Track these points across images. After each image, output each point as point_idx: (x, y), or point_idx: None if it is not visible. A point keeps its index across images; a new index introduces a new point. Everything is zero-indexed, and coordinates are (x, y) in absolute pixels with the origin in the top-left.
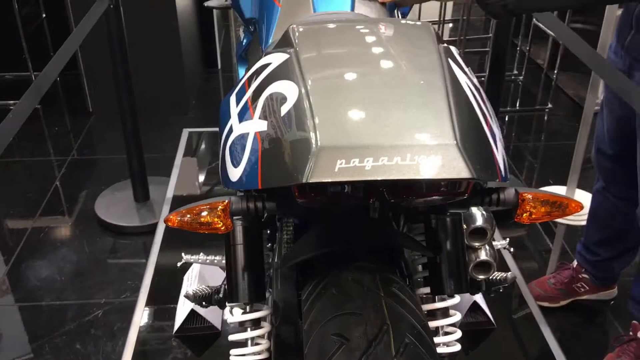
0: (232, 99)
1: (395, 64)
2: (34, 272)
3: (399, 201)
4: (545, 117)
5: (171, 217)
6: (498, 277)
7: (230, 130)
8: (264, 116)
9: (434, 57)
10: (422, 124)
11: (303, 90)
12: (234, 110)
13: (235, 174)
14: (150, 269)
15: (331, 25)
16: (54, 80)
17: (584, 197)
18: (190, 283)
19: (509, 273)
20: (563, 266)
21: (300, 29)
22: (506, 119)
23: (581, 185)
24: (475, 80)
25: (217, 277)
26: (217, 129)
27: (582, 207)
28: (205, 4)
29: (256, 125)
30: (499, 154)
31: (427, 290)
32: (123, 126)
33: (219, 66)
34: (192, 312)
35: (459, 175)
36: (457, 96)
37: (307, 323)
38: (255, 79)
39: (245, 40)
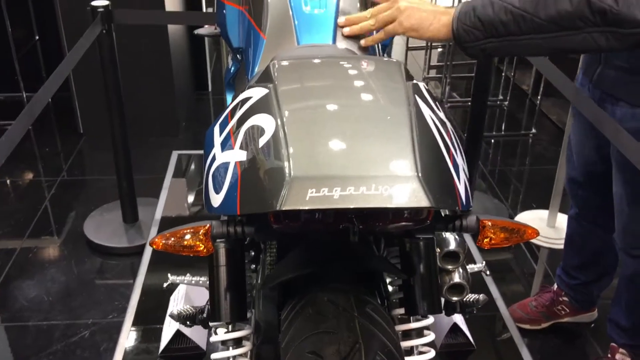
0: (217, 128)
1: (365, 100)
2: (22, 292)
3: (366, 227)
4: (530, 142)
5: (156, 240)
6: (471, 299)
7: (214, 159)
8: (244, 146)
9: (401, 93)
10: (387, 157)
11: (279, 123)
12: (217, 139)
13: (216, 199)
14: (137, 290)
15: (308, 62)
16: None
17: (565, 221)
18: (177, 303)
19: (481, 295)
20: (544, 289)
21: (279, 65)
22: (492, 143)
23: (563, 209)
24: (442, 115)
25: (203, 297)
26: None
27: (538, 234)
28: (196, 32)
29: (236, 155)
30: (461, 184)
31: (402, 311)
32: (113, 148)
33: (210, 89)
34: (178, 333)
35: (419, 204)
36: (421, 130)
37: (285, 342)
38: (238, 111)
39: (233, 68)
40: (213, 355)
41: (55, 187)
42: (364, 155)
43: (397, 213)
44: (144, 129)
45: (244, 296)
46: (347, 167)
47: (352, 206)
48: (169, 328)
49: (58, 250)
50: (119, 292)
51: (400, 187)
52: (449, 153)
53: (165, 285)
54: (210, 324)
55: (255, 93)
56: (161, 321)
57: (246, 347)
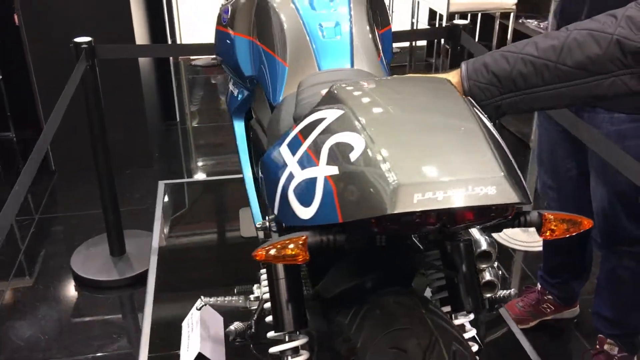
0: (284, 150)
1: (437, 113)
2: (16, 332)
3: (456, 226)
4: None
5: (259, 252)
6: (502, 295)
7: (291, 176)
8: (332, 162)
9: (464, 106)
10: (475, 161)
11: (368, 139)
12: (291, 158)
13: (307, 212)
14: (147, 319)
15: (369, 84)
16: (13, 140)
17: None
18: (192, 328)
19: (512, 290)
20: (529, 289)
21: (343, 88)
22: None
23: None
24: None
25: (216, 321)
26: (192, 180)
27: (592, 224)
28: (193, 63)
29: (325, 170)
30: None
31: (446, 308)
32: (99, 181)
33: (177, 119)
34: (199, 355)
35: (510, 200)
36: (490, 137)
37: (360, 342)
38: (312, 132)
39: (240, 96)
40: None
41: (34, 226)
42: (455, 161)
43: (485, 210)
44: (119, 161)
45: (303, 305)
46: (444, 172)
47: (455, 206)
48: (188, 353)
49: (46, 288)
50: (115, 325)
51: (492, 187)
52: (510, 155)
53: (197, 307)
54: (270, 336)
55: (328, 114)
56: (177, 347)
57: (304, 355)
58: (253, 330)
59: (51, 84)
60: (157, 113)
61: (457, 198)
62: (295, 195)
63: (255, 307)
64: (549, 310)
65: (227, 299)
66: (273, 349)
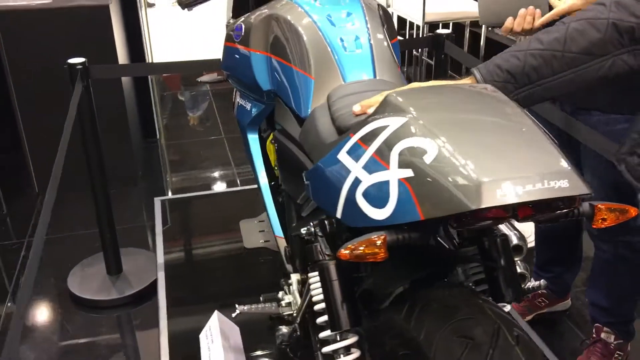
0: (343, 157)
1: (495, 116)
2: (19, 357)
3: (525, 218)
4: None
5: (343, 252)
6: (532, 285)
7: (357, 181)
8: (404, 165)
9: (517, 108)
10: (545, 157)
11: (441, 143)
12: (355, 165)
13: (381, 213)
14: (164, 334)
15: (421, 91)
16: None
17: (526, 224)
18: (212, 340)
19: (542, 280)
20: None
21: (400, 96)
22: None
23: None
24: None
25: (234, 330)
26: (187, 195)
27: (638, 212)
28: (199, 79)
29: (397, 173)
30: None
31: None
32: (95, 200)
33: (158, 135)
34: None
35: (581, 191)
36: (546, 134)
37: (423, 335)
38: (375, 139)
39: (255, 110)
40: None
41: (24, 249)
42: (528, 158)
43: (554, 203)
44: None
45: (357, 304)
46: (520, 168)
47: (534, 199)
48: None
49: (45, 310)
50: (120, 344)
51: (564, 180)
52: None
53: (234, 315)
54: (322, 336)
55: (390, 122)
56: (196, 359)
57: (355, 354)
58: (298, 333)
59: (34, 107)
60: (139, 131)
61: (535, 192)
62: (366, 198)
63: (289, 312)
64: (543, 304)
65: (259, 306)
66: (326, 349)
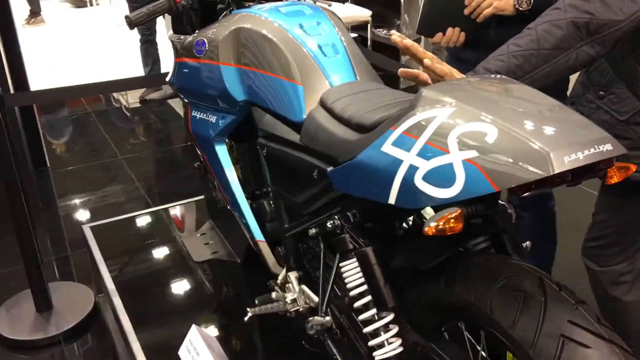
0: (389, 149)
1: (530, 99)
2: None
3: (577, 180)
4: None
5: (431, 228)
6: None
7: (413, 168)
8: (465, 148)
9: (539, 92)
10: (587, 127)
11: (499, 125)
12: (406, 154)
13: (448, 192)
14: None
15: (453, 85)
16: None
17: None
18: (197, 352)
19: (527, 242)
20: None
21: (436, 90)
22: None
23: None
24: None
25: (213, 340)
26: (115, 219)
27: (636, 168)
28: (148, 97)
29: (460, 155)
30: None
31: None
32: (17, 236)
33: (48, 164)
34: None
35: (623, 151)
36: (573, 109)
37: (473, 297)
38: (425, 129)
39: (222, 121)
40: (371, 342)
41: None
42: (577, 129)
43: (598, 165)
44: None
45: (396, 282)
46: (575, 138)
47: (593, 161)
48: None
49: None
50: None
51: (608, 144)
52: None
53: (246, 318)
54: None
55: (436, 113)
56: None
57: (394, 329)
58: (330, 321)
59: None
60: (27, 161)
61: (592, 155)
62: (427, 181)
63: (296, 309)
64: None
65: (269, 306)
66: (368, 328)
